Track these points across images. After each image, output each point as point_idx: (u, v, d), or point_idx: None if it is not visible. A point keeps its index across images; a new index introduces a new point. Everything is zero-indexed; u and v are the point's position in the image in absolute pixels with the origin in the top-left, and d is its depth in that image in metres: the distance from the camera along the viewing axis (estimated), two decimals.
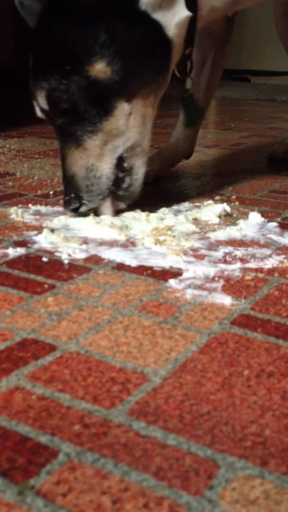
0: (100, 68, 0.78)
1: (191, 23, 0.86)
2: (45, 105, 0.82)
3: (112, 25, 0.79)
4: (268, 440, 0.42)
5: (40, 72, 0.81)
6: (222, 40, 1.10)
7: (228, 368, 0.50)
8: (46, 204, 0.98)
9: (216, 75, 1.14)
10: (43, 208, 0.95)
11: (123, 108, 0.82)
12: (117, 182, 0.86)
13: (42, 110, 0.85)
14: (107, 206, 0.87)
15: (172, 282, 0.68)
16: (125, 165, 0.85)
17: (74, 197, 0.84)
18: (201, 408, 0.45)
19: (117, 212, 0.89)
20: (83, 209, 0.85)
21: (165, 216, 0.90)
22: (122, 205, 0.88)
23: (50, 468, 0.38)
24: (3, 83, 2.87)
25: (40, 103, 0.83)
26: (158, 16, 0.82)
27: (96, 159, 0.83)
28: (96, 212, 0.87)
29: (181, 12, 0.83)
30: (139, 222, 0.86)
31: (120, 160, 0.85)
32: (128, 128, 0.83)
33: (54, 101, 0.81)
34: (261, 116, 2.43)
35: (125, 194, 0.87)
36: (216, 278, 0.69)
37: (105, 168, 0.84)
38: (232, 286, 0.67)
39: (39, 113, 0.86)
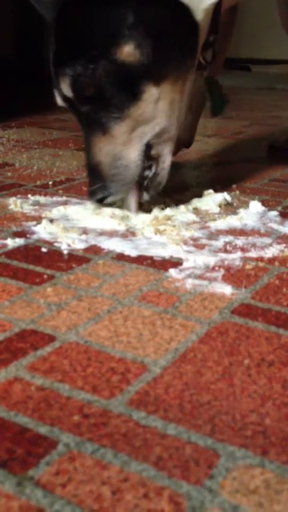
0: (128, 51, 0.75)
1: (217, 8, 0.84)
2: (69, 92, 0.79)
3: (140, 5, 0.76)
4: (268, 429, 0.41)
5: (64, 59, 0.78)
6: (226, 26, 1.09)
7: (228, 358, 0.50)
8: (45, 195, 0.97)
9: (219, 63, 1.13)
10: (42, 199, 0.95)
11: (151, 92, 0.78)
12: (143, 171, 0.82)
13: (64, 98, 0.81)
14: (132, 200, 0.83)
15: (172, 271, 0.67)
16: (153, 152, 0.82)
17: (100, 187, 0.81)
18: (201, 398, 0.45)
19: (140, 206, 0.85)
20: (109, 199, 0.82)
21: (165, 205, 0.89)
22: (146, 197, 0.84)
23: (49, 459, 0.38)
24: (3, 74, 2.85)
25: (64, 90, 0.79)
26: (185, 0, 0.79)
27: (123, 146, 0.80)
28: (121, 205, 0.84)
29: None
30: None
31: (148, 147, 0.81)
32: (157, 113, 0.80)
33: (80, 88, 0.77)
34: (261, 104, 2.41)
35: (152, 184, 0.83)
36: (217, 268, 0.69)
37: (133, 155, 0.80)
38: (232, 275, 0.67)
39: (60, 101, 0.82)
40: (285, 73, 3.68)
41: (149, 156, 0.82)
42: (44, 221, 0.81)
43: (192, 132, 1.17)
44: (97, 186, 0.81)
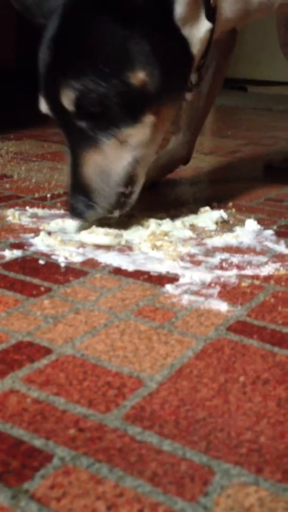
0: (142, 77, 0.77)
1: (209, 35, 0.85)
2: (71, 106, 0.77)
3: (154, 35, 0.78)
4: (263, 447, 0.41)
5: (70, 70, 0.77)
6: (225, 49, 1.11)
7: (224, 374, 0.50)
8: (43, 207, 0.98)
9: (217, 83, 1.14)
10: (40, 211, 0.95)
11: (150, 118, 0.81)
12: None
13: (56, 108, 0.80)
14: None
15: (168, 287, 0.68)
16: (133, 173, 0.83)
17: (83, 203, 0.81)
18: (196, 414, 0.45)
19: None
20: (92, 214, 0.82)
21: (162, 221, 0.90)
22: (116, 214, 0.84)
23: (44, 472, 0.38)
24: (2, 85, 2.87)
25: (65, 103, 0.78)
26: (186, 31, 0.81)
27: (113, 164, 0.81)
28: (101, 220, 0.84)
29: (204, 25, 0.83)
30: (137, 227, 0.86)
31: (130, 167, 0.83)
32: (150, 138, 0.82)
33: (87, 104, 0.77)
34: (258, 124, 2.44)
35: (125, 201, 0.84)
36: (213, 284, 0.69)
37: (121, 175, 0.81)
38: (228, 292, 0.67)
39: (45, 109, 0.81)
40: (282, 95, 3.73)
41: (131, 176, 0.83)
42: (42, 234, 0.81)
43: (190, 150, 1.18)
44: (80, 202, 0.81)
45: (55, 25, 0.78)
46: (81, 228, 0.84)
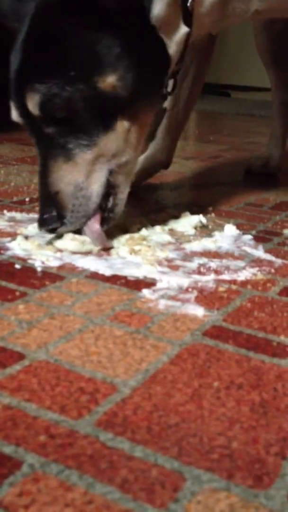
0: (111, 81, 0.74)
1: (186, 39, 0.83)
2: (36, 111, 0.75)
3: (127, 37, 0.75)
4: (235, 453, 0.41)
5: (35, 74, 0.74)
6: (204, 54, 1.11)
7: (198, 380, 0.50)
8: (21, 211, 0.97)
9: (197, 89, 1.15)
10: (18, 215, 0.94)
11: (123, 124, 0.77)
12: (104, 201, 0.79)
13: (24, 114, 0.77)
14: (96, 236, 0.79)
15: (145, 292, 0.68)
16: (113, 182, 0.79)
17: (54, 216, 0.77)
18: (169, 420, 0.44)
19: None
20: (63, 229, 0.78)
21: (141, 226, 0.89)
22: (105, 228, 0.80)
23: (13, 480, 0.37)
24: None
25: (30, 107, 0.75)
26: (163, 32, 0.79)
27: (87, 176, 0.77)
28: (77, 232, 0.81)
29: (181, 28, 0.81)
30: (115, 231, 0.86)
31: (109, 177, 0.79)
32: (124, 145, 0.78)
33: (51, 108, 0.74)
34: (240, 130, 2.45)
35: (110, 215, 0.80)
36: (190, 289, 0.69)
37: (96, 186, 0.78)
38: (205, 297, 0.67)
39: (16, 116, 0.79)
40: (264, 100, 3.75)
41: (110, 186, 0.79)
42: (19, 238, 0.81)
43: (170, 154, 1.19)
44: (50, 215, 0.77)
45: (25, 29, 0.76)
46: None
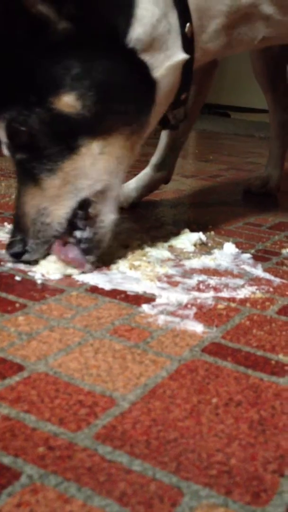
0: (67, 101, 0.71)
1: (188, 66, 0.80)
2: (3, 138, 0.75)
3: (90, 58, 0.72)
4: (233, 469, 0.41)
5: (2, 102, 0.74)
6: (205, 75, 1.12)
7: (197, 396, 0.50)
8: None
9: (196, 109, 1.16)
10: None
11: (90, 147, 0.74)
12: (78, 231, 0.77)
13: (3, 143, 0.77)
14: (71, 261, 0.77)
15: (145, 307, 0.68)
16: (91, 211, 0.76)
17: (19, 240, 0.76)
18: (168, 435, 0.45)
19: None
20: (26, 257, 0.76)
21: (141, 241, 0.90)
22: (91, 259, 0.77)
23: (11, 490, 0.37)
24: None
25: (0, 135, 0.76)
26: (146, 56, 0.75)
27: (51, 202, 0.75)
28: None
29: (176, 55, 0.78)
30: (116, 247, 0.86)
31: (86, 205, 0.76)
32: (96, 170, 0.75)
33: (12, 134, 0.74)
34: (239, 150, 2.47)
35: (89, 246, 0.77)
36: (189, 306, 0.69)
37: (59, 213, 0.75)
38: (204, 314, 0.68)
39: (4, 149, 0.78)
40: (263, 122, 3.79)
41: (86, 215, 0.76)
42: None
43: (170, 170, 1.20)
44: (16, 239, 0.76)
45: None
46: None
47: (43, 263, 0.77)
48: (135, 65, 0.75)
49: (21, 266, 0.77)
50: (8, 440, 0.42)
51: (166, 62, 0.77)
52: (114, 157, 0.76)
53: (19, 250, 0.76)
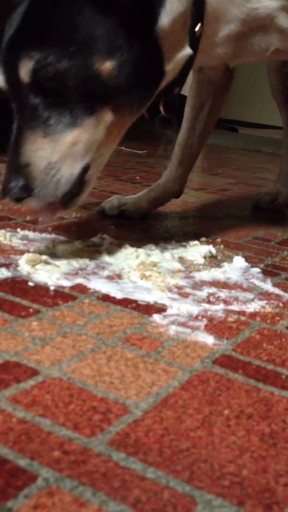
0: (108, 67, 0.74)
1: (188, 62, 0.85)
2: (27, 77, 0.74)
3: (131, 34, 0.76)
4: (245, 481, 0.42)
5: (33, 41, 0.73)
6: (221, 88, 1.14)
7: (208, 407, 0.51)
8: (34, 230, 0.98)
9: (211, 122, 1.17)
10: (31, 234, 0.96)
11: (108, 114, 0.78)
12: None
13: (12, 80, 0.75)
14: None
15: (156, 317, 0.68)
16: (86, 177, 0.80)
17: (21, 186, 0.75)
18: (180, 444, 0.45)
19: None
20: (30, 201, 0.77)
21: (151, 252, 0.91)
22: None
23: (28, 492, 0.37)
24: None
25: (22, 72, 0.74)
26: (164, 46, 0.80)
27: (62, 158, 0.76)
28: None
29: (184, 50, 0.83)
30: (127, 256, 0.87)
31: (85, 170, 0.79)
32: (103, 138, 0.78)
33: (43, 76, 0.73)
34: (247, 165, 2.49)
35: (71, 203, 0.80)
36: (200, 317, 0.70)
37: (69, 173, 0.77)
38: (214, 326, 0.68)
39: (1, 81, 0.77)
40: (270, 138, 3.81)
41: (82, 180, 0.79)
42: (23, 257, 0.81)
43: (182, 184, 1.21)
44: (17, 185, 0.75)
45: (27, 2, 0.75)
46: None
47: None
48: (155, 53, 0.80)
49: (31, 271, 0.78)
50: (24, 443, 0.42)
51: (176, 57, 0.83)
52: (116, 129, 0.81)
53: (22, 196, 0.75)
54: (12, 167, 0.76)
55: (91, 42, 0.74)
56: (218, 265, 0.91)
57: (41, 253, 0.85)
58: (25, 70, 0.74)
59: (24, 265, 0.78)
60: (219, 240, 1.07)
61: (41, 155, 0.75)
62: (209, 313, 0.72)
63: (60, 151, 0.76)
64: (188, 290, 0.78)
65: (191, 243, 0.99)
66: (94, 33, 0.74)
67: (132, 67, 0.76)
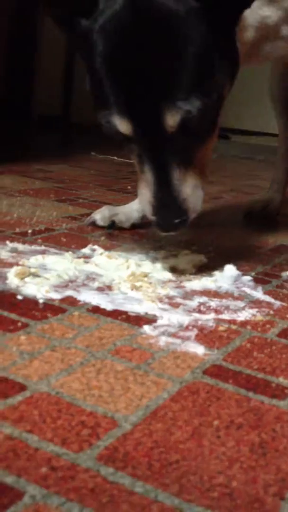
0: (226, 92, 0.82)
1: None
2: (173, 124, 0.75)
3: (228, 50, 0.82)
4: (235, 492, 0.41)
5: (176, 89, 0.74)
6: None
7: (198, 418, 0.51)
8: (23, 242, 0.98)
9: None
10: (20, 246, 0.95)
11: (214, 136, 0.85)
12: None
13: (148, 128, 0.77)
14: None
15: (146, 328, 0.68)
16: None
17: (175, 217, 0.82)
18: (169, 457, 0.45)
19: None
20: (182, 228, 0.85)
21: (142, 262, 0.91)
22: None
23: (14, 510, 0.37)
24: None
25: (168, 122, 0.75)
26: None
27: (203, 185, 0.85)
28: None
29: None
30: (117, 267, 0.87)
31: None
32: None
33: (191, 121, 0.76)
34: (240, 172, 2.49)
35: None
36: (190, 327, 0.70)
37: (202, 193, 0.86)
38: (205, 336, 0.68)
39: (128, 129, 0.77)
40: (262, 145, 3.83)
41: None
42: (12, 271, 0.81)
43: None
44: (177, 218, 0.82)
45: (148, 33, 0.74)
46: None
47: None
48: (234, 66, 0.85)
49: (20, 284, 0.77)
50: (11, 459, 0.42)
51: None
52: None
53: (183, 227, 0.84)
54: (167, 203, 0.81)
55: (222, 73, 0.79)
56: (209, 274, 0.91)
57: (30, 265, 0.85)
58: (172, 120, 0.76)
59: (13, 278, 0.78)
60: (210, 248, 1.07)
61: (192, 187, 0.82)
62: (199, 322, 0.71)
63: (204, 178, 0.85)
64: (178, 300, 0.78)
65: (182, 252, 0.99)
66: (218, 60, 0.78)
67: (231, 82, 0.84)
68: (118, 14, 0.75)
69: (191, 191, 0.82)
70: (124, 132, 0.78)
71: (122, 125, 0.77)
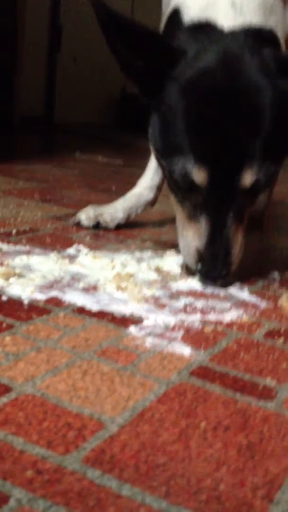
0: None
1: None
2: (248, 184, 0.80)
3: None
4: (222, 495, 0.41)
5: (258, 154, 0.79)
6: None
7: (185, 419, 0.50)
8: (8, 242, 0.97)
9: None
10: (4, 246, 0.94)
11: None
12: None
13: (223, 183, 0.80)
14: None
15: (132, 329, 0.68)
16: None
17: (221, 271, 0.84)
18: (157, 459, 0.44)
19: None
20: (227, 283, 0.86)
21: (127, 263, 0.90)
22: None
23: None
24: None
25: (243, 181, 0.80)
26: None
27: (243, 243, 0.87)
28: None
29: None
30: (102, 268, 0.86)
31: None
32: None
33: (261, 182, 0.81)
34: None
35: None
36: (176, 328, 0.69)
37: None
38: (191, 337, 0.68)
39: (203, 180, 0.80)
40: None
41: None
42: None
43: (157, 192, 1.21)
44: (219, 270, 0.84)
45: (236, 90, 0.78)
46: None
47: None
48: None
49: (4, 285, 0.76)
50: None
51: None
52: None
53: (222, 279, 0.85)
54: (217, 255, 0.83)
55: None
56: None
57: (15, 266, 0.84)
58: (247, 180, 0.80)
59: None
60: None
61: (240, 243, 0.85)
62: (186, 323, 0.71)
63: (243, 237, 0.87)
64: (164, 300, 0.78)
65: (168, 252, 0.99)
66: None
67: None
68: (212, 70, 0.79)
69: (239, 247, 0.85)
70: (198, 181, 0.80)
71: (199, 174, 0.79)
